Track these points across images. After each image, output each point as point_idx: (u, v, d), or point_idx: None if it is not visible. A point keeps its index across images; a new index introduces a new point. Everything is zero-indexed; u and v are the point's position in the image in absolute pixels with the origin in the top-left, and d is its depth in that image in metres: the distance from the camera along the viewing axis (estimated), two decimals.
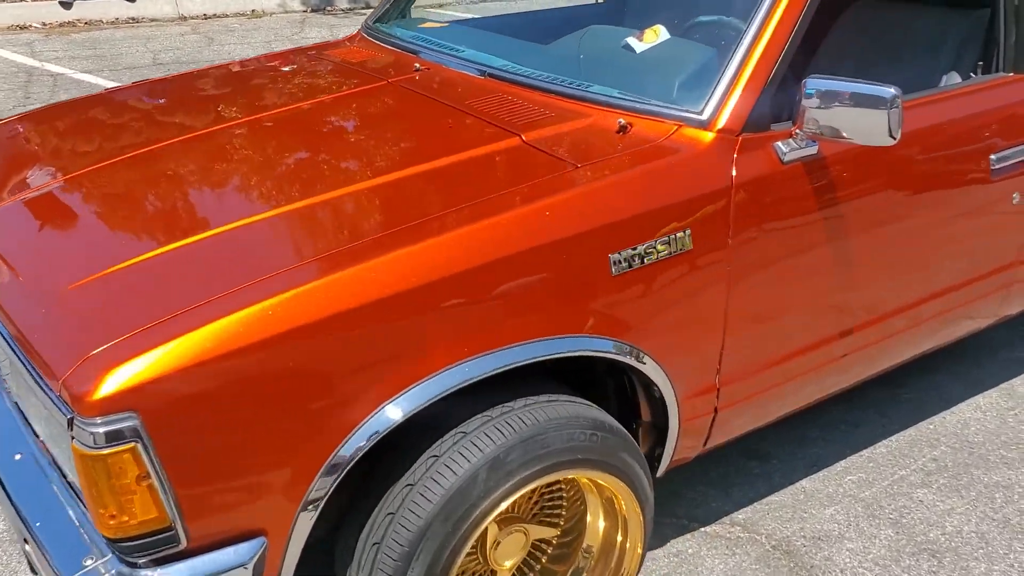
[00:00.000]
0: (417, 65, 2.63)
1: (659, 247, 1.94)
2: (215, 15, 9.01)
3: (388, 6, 3.19)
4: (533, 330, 1.82)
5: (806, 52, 3.10)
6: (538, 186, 1.90)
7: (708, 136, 2.07)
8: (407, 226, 1.77)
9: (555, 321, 1.85)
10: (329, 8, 9.51)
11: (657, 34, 2.38)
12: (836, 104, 2.02)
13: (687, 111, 2.11)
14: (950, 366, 3.37)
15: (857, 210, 2.25)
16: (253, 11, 9.20)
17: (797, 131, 2.10)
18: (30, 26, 8.21)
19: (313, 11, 9.43)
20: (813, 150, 2.14)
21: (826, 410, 3.08)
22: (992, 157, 2.51)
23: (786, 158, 2.11)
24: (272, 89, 2.66)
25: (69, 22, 8.39)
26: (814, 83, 2.05)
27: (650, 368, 2.02)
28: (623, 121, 2.13)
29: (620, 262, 1.90)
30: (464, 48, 2.70)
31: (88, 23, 8.44)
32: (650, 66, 2.37)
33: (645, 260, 1.93)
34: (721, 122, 2.07)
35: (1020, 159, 2.58)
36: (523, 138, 2.11)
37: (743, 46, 2.12)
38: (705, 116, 2.08)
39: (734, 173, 2.04)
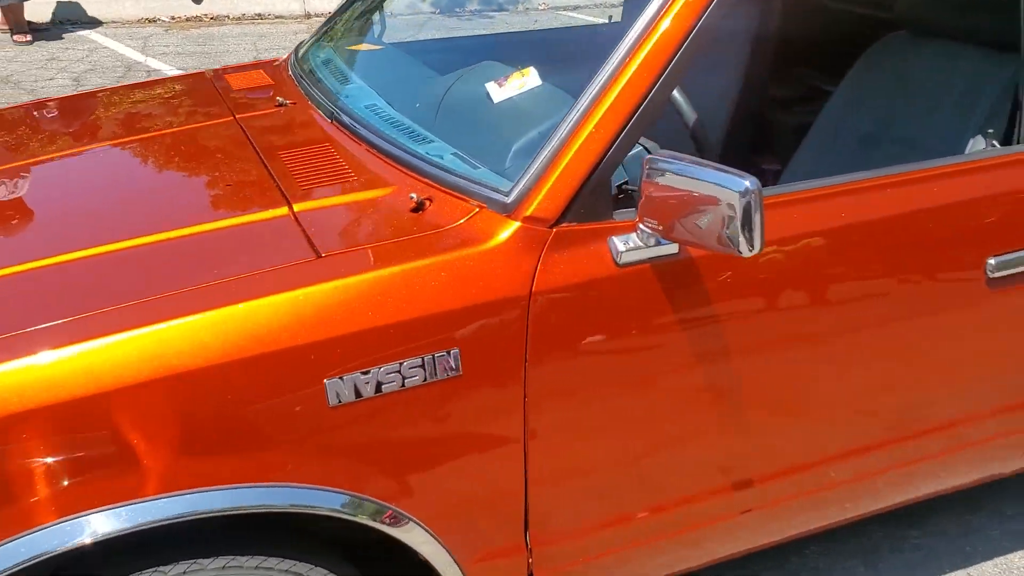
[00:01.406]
0: (280, 99, 2.23)
1: (407, 371, 1.46)
2: None
3: (325, 27, 2.79)
4: (209, 476, 1.39)
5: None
6: (248, 281, 1.46)
7: (509, 225, 1.55)
8: (27, 331, 1.37)
9: (242, 465, 1.41)
10: (456, 9, 9.24)
11: (524, 78, 1.86)
12: (678, 193, 1.46)
13: (494, 189, 1.59)
14: (996, 503, 2.62)
15: (750, 329, 1.67)
16: None
17: (640, 224, 1.54)
18: (158, 19, 8.39)
19: (440, 12, 9.20)
20: (670, 248, 1.58)
21: (798, 547, 2.44)
22: (990, 262, 1.83)
23: (622, 259, 1.56)
24: (114, 120, 2.32)
25: (196, 17, 8.51)
26: (658, 161, 1.49)
27: (407, 529, 1.54)
28: (416, 196, 1.64)
29: (342, 389, 1.42)
30: (355, 81, 2.27)
31: (214, 18, 8.54)
32: (493, 122, 1.86)
33: (383, 388, 1.45)
34: (531, 207, 1.55)
35: None
36: (293, 209, 1.67)
37: (583, 102, 1.58)
38: (511, 198, 1.56)
39: (536, 277, 1.52)
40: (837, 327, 1.74)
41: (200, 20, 8.63)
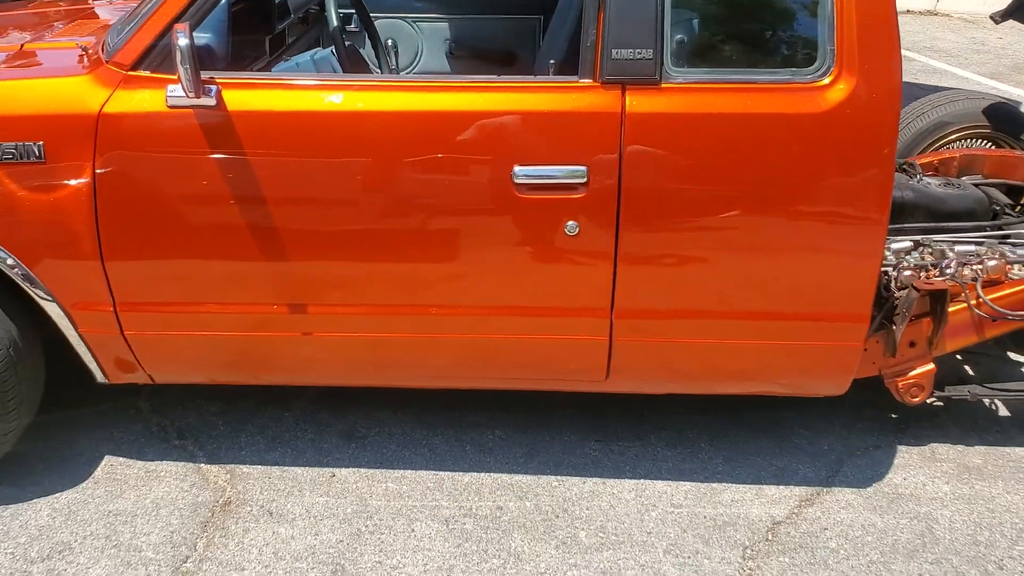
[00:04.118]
0: None
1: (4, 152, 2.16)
2: None
3: None
4: None
5: None
6: None
7: (100, 65, 2.19)
8: None
9: None
10: None
11: None
12: None
13: (111, 42, 2.25)
14: (697, 440, 2.77)
15: (260, 176, 2.16)
16: None
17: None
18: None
19: None
20: (208, 100, 2.12)
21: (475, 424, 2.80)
22: (516, 170, 2.15)
23: (169, 102, 2.14)
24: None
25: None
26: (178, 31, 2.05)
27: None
28: (81, 44, 2.33)
29: None
30: None
31: None
32: None
33: None
34: (116, 55, 2.18)
35: (563, 180, 2.16)
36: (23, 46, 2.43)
37: None
38: (111, 48, 2.21)
39: (106, 103, 2.14)
40: (357, 200, 2.19)
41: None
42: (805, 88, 2.11)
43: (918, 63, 7.32)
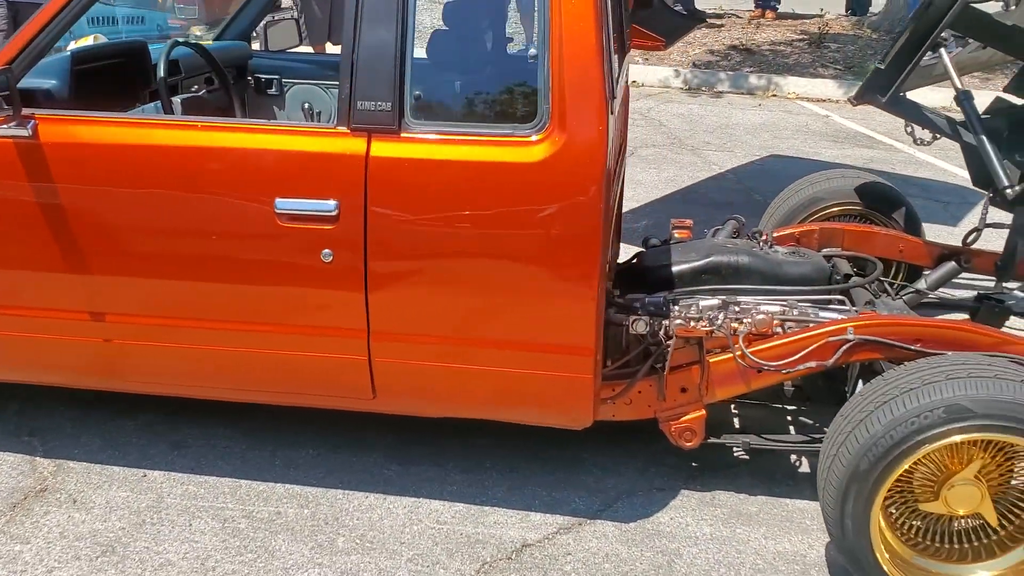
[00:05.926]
0: None
1: None
2: None
3: None
4: None
5: None
6: None
7: None
8: None
9: None
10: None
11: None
12: None
13: None
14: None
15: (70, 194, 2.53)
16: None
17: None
18: None
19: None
20: (25, 132, 2.51)
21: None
22: (277, 202, 2.46)
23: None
24: None
25: None
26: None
27: None
28: None
29: None
30: None
31: None
32: None
33: None
34: None
35: (317, 212, 2.45)
36: None
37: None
38: None
39: None
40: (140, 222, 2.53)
41: None
42: (523, 141, 2.37)
43: (904, 154, 7.41)
